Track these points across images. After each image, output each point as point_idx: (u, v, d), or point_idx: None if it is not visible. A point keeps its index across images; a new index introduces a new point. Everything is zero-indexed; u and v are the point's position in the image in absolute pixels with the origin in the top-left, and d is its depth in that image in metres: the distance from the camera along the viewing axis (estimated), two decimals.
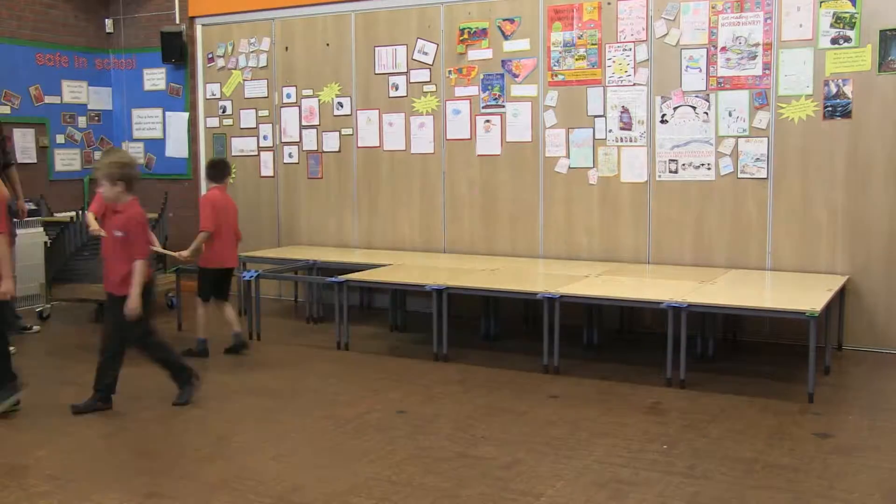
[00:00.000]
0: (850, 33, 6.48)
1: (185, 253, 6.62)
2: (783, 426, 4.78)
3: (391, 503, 3.96)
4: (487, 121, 7.87)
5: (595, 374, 6.03)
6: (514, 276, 6.85)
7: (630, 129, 7.28)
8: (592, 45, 7.36)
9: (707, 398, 5.49)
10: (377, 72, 8.37)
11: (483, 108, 7.88)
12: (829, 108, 6.59)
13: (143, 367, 6.37)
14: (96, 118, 10.01)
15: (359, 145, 8.52)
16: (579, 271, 6.82)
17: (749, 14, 6.79)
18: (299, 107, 8.85)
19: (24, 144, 9.18)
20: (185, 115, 9.56)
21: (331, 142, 8.68)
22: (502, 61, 7.76)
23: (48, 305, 8.10)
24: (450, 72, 8.01)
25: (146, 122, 9.92)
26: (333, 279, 6.78)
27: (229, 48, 9.24)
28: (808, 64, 6.62)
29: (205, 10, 9.36)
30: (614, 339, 7.12)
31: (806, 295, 5.75)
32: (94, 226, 5.40)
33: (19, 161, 9.10)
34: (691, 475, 4.24)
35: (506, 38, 7.73)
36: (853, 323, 6.66)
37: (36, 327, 7.65)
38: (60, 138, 9.63)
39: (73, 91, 9.75)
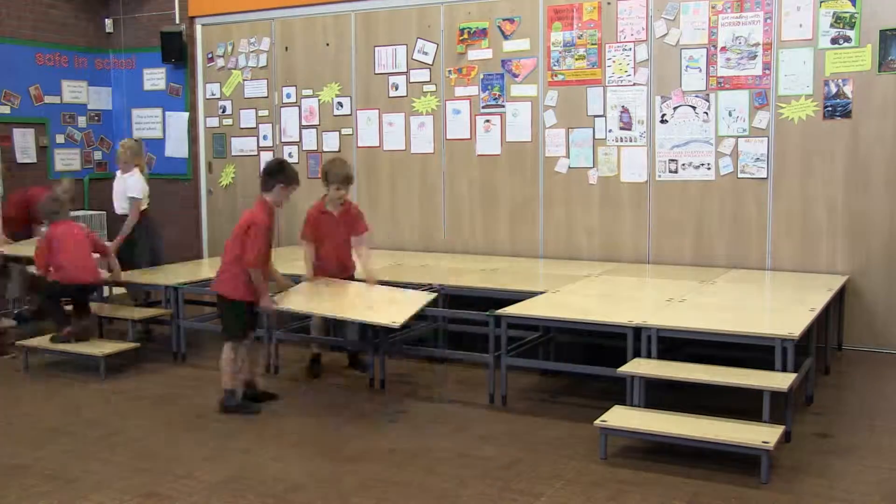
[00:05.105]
0: (850, 33, 6.48)
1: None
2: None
3: (391, 503, 3.96)
4: (487, 121, 7.86)
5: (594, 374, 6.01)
6: (514, 276, 6.81)
7: (630, 129, 7.28)
8: (592, 44, 7.36)
9: (707, 398, 5.48)
10: (377, 72, 8.37)
11: (483, 107, 7.88)
12: (829, 108, 6.59)
13: (143, 368, 6.38)
14: (96, 118, 10.01)
15: (359, 145, 8.51)
16: (579, 271, 6.81)
17: (749, 14, 6.79)
18: (299, 107, 8.85)
19: (23, 144, 9.18)
20: (185, 114, 9.56)
21: (331, 142, 8.68)
22: (502, 61, 7.75)
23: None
24: (450, 72, 8.00)
25: (146, 121, 9.91)
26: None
27: (229, 48, 9.24)
28: (808, 64, 6.62)
29: (205, 10, 9.36)
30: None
31: (805, 295, 5.74)
32: None
33: (19, 161, 9.13)
34: (691, 475, 4.24)
35: (506, 37, 7.72)
36: (853, 323, 6.66)
37: None
38: (60, 138, 9.62)
39: (73, 91, 9.75)
